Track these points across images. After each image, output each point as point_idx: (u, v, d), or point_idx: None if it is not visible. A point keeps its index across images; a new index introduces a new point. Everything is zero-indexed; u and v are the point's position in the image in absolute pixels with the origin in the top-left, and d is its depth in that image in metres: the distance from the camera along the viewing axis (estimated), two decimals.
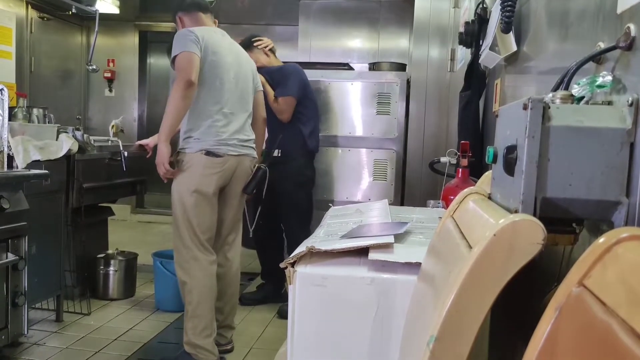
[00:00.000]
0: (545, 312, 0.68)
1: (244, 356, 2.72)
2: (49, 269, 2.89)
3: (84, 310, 3.14)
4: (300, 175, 3.41)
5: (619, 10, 1.01)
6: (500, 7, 1.75)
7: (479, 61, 2.32)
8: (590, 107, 1.00)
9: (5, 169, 2.57)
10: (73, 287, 3.22)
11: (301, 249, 1.30)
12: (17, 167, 2.63)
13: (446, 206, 2.04)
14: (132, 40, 6.43)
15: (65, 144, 2.94)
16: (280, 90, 3.31)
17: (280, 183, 3.27)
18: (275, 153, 3.31)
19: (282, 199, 3.37)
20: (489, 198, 1.13)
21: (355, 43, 5.47)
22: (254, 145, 2.70)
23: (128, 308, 3.32)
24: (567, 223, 0.95)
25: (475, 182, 1.65)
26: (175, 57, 2.46)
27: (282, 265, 1.28)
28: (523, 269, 0.79)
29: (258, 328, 3.10)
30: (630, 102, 0.90)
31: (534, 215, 0.88)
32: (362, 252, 1.29)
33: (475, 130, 2.52)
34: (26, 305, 2.49)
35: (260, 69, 3.12)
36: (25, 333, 2.54)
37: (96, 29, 4.52)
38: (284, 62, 3.61)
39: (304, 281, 1.25)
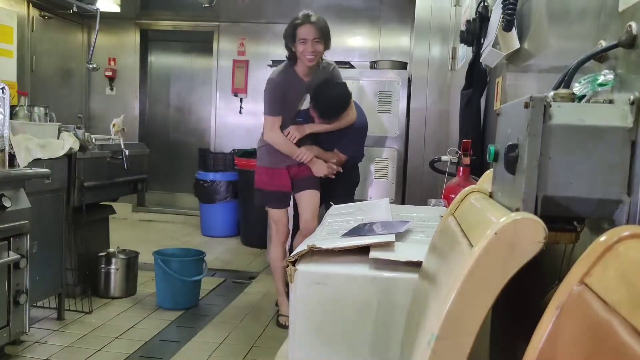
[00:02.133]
0: (547, 311, 0.68)
1: (245, 354, 2.72)
2: (50, 267, 2.90)
3: (85, 309, 3.15)
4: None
5: (620, 9, 1.00)
6: (502, 5, 1.74)
7: (481, 59, 2.32)
8: (592, 106, 1.00)
9: (7, 168, 2.57)
10: (74, 285, 3.22)
11: (302, 247, 1.30)
12: (18, 166, 2.63)
13: (447, 205, 2.04)
14: (133, 38, 6.42)
15: (67, 142, 2.94)
16: None
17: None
18: None
19: None
20: (490, 196, 1.13)
21: (357, 41, 5.47)
22: None
23: (129, 306, 3.32)
24: (569, 221, 0.95)
25: (477, 180, 1.65)
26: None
27: (283, 263, 1.28)
28: (524, 267, 0.79)
29: (259, 326, 3.10)
30: (631, 100, 0.90)
31: (535, 213, 0.87)
32: (363, 250, 1.29)
33: (476, 128, 2.52)
34: (28, 304, 2.49)
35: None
36: (27, 331, 2.54)
37: (97, 28, 4.51)
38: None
39: (305, 279, 1.25)
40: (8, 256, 2.36)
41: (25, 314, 2.49)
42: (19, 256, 2.40)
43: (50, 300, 3.07)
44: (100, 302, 3.34)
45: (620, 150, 0.88)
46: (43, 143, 2.80)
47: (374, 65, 4.25)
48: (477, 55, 2.42)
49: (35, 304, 2.96)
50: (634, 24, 0.93)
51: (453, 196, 1.60)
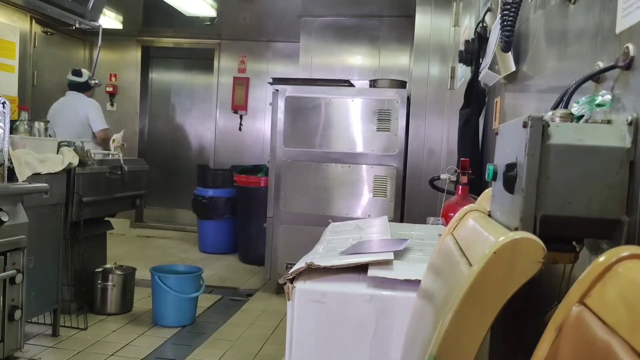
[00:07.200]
0: (546, 331, 0.67)
1: None
2: (46, 283, 2.88)
3: (80, 325, 3.12)
4: None
5: (617, 30, 1.01)
6: (500, 26, 1.76)
7: (479, 79, 2.34)
8: (590, 126, 1.01)
9: (6, 182, 2.57)
10: (70, 301, 3.20)
11: (300, 264, 1.30)
12: (17, 181, 2.63)
13: (446, 223, 2.04)
14: (135, 55, 6.47)
15: (66, 157, 2.94)
16: None
17: None
18: None
19: None
20: (489, 215, 1.13)
21: (356, 60, 5.51)
22: None
23: (125, 323, 3.30)
24: (567, 241, 0.95)
25: (475, 199, 1.65)
26: None
27: (280, 281, 1.27)
28: (523, 287, 0.79)
29: (256, 344, 3.07)
30: (629, 121, 0.90)
31: (534, 233, 0.87)
32: (362, 268, 1.28)
33: (475, 147, 2.52)
34: (22, 319, 2.47)
35: None
36: (21, 347, 2.52)
37: (99, 44, 4.55)
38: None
39: (303, 297, 1.24)
40: (4, 271, 2.35)
41: (19, 330, 2.46)
42: (15, 271, 2.39)
43: (46, 316, 3.04)
44: (96, 318, 3.32)
45: (619, 170, 0.88)
46: (42, 158, 2.80)
47: (373, 83, 4.28)
48: (475, 74, 2.44)
49: (30, 320, 2.94)
50: (631, 46, 0.94)
51: (452, 215, 1.60)
